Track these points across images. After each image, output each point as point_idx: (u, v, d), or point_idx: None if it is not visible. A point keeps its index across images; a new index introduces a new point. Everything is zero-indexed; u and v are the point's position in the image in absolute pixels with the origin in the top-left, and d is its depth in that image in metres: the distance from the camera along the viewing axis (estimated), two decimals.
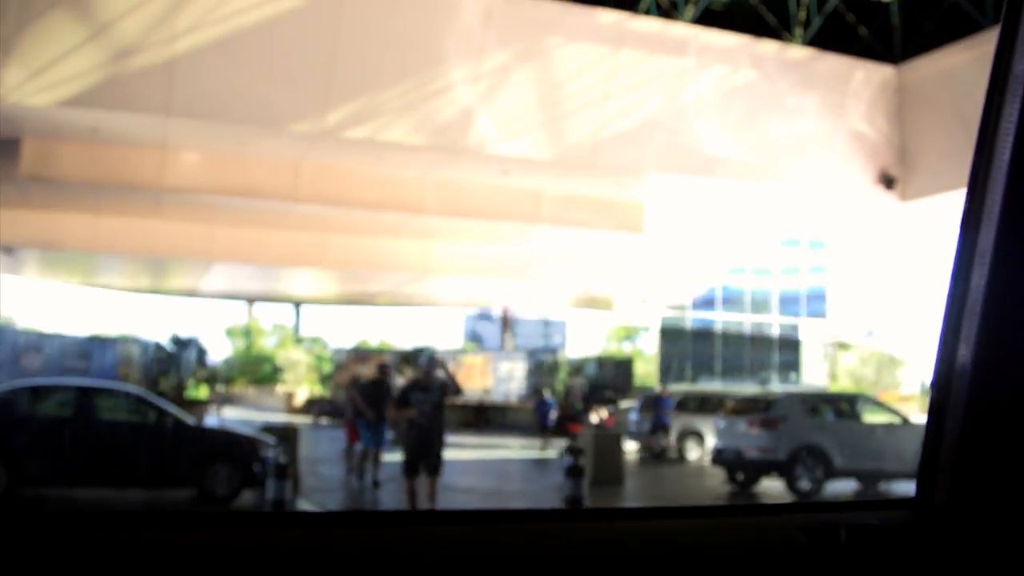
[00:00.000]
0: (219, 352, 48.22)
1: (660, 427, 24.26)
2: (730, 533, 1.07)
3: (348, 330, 49.23)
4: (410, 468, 11.71)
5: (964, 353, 1.20)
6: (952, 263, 1.24)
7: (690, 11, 21.39)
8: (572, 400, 25.08)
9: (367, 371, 40.47)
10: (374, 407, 15.85)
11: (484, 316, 48.64)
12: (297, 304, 44.42)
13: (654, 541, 1.00)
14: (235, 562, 0.86)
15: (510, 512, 1.06)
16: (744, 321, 48.91)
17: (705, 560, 1.00)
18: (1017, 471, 1.19)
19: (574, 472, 10.33)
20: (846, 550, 1.04)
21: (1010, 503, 1.18)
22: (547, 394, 29.53)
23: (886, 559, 1.05)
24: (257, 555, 0.87)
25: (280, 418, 33.36)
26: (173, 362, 34.23)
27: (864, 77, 20.37)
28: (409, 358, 34.07)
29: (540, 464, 22.64)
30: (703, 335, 48.92)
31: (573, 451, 10.69)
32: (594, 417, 26.66)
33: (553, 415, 28.13)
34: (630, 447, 23.94)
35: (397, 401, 12.17)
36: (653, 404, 24.94)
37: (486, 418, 36.64)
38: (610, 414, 27.96)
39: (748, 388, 33.37)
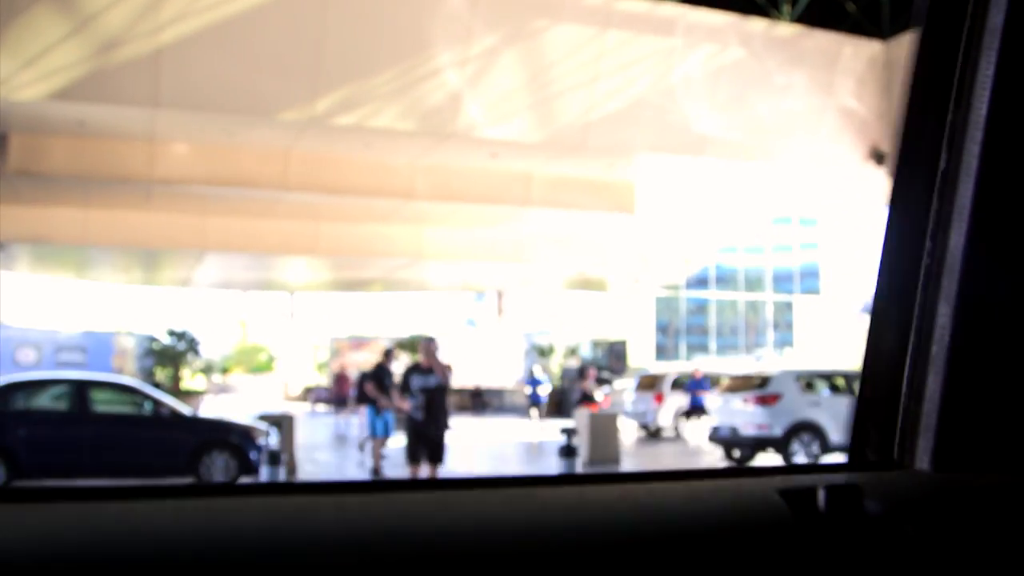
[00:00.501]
0: (214, 342, 48.22)
1: (697, 410, 24.03)
2: (705, 496, 1.06)
3: (343, 317, 49.20)
4: (413, 455, 11.47)
5: (944, 312, 1.19)
6: (930, 221, 1.24)
7: None
8: (588, 380, 25.07)
9: (363, 358, 40.56)
10: (380, 392, 15.73)
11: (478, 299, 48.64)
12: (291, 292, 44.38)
13: (626, 505, 1.00)
14: (218, 532, 0.87)
15: (486, 479, 1.06)
16: (738, 299, 48.99)
17: (679, 524, 0.98)
18: (998, 430, 1.19)
19: (567, 452, 10.32)
20: (825, 512, 1.02)
21: (991, 462, 1.18)
22: (538, 373, 29.44)
23: (866, 520, 1.03)
24: (241, 524, 0.88)
25: (278, 407, 33.37)
26: (168, 354, 34.24)
27: (853, 53, 20.37)
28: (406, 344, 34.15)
29: (538, 446, 22.67)
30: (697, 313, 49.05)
31: (566, 431, 10.66)
32: None
33: (544, 395, 28.05)
34: (628, 427, 24.00)
35: (400, 388, 12.03)
36: (688, 386, 24.81)
37: (482, 401, 36.74)
38: (605, 395, 28.00)
39: (743, 365, 33.43)
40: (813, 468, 1.51)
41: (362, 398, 16.84)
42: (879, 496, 1.07)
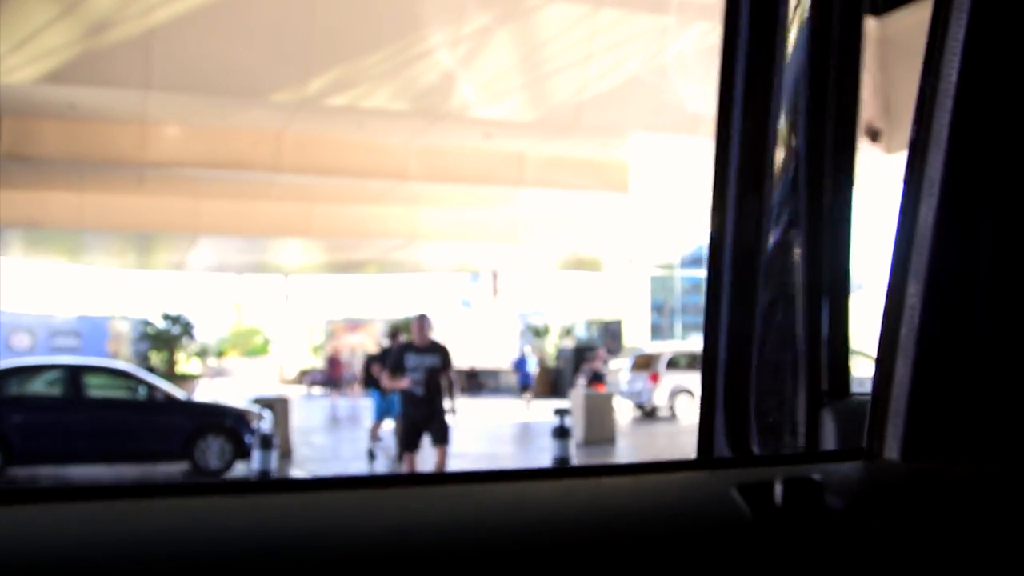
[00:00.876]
0: (209, 326, 48.18)
1: None
2: (656, 492, 1.00)
3: (338, 299, 49.27)
4: (409, 441, 10.86)
5: (913, 291, 1.13)
6: (900, 195, 1.17)
7: None
8: (599, 361, 25.04)
9: (358, 340, 40.52)
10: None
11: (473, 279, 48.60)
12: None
13: (570, 503, 0.94)
14: (209, 531, 0.83)
15: (417, 477, 1.00)
16: None
17: (627, 522, 0.92)
18: (972, 417, 1.12)
19: (560, 433, 10.23)
20: (783, 508, 0.95)
21: (965, 451, 1.11)
22: (527, 353, 29.34)
23: (827, 515, 0.96)
24: (234, 523, 0.84)
25: (273, 390, 33.39)
26: (163, 337, 34.19)
27: None
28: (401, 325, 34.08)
29: (533, 427, 22.69)
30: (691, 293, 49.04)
31: (560, 412, 10.51)
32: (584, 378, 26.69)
33: (533, 375, 27.93)
34: (623, 406, 24.04)
35: (391, 367, 11.05)
36: None
37: (478, 382, 36.76)
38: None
39: None
40: (776, 460, 1.40)
41: (369, 380, 16.60)
42: (845, 489, 1.01)
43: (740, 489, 0.97)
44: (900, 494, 1.06)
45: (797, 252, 1.49)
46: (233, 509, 0.86)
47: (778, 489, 0.96)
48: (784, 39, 1.52)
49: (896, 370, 1.14)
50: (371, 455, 15.45)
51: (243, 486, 0.91)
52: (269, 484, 0.91)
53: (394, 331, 17.16)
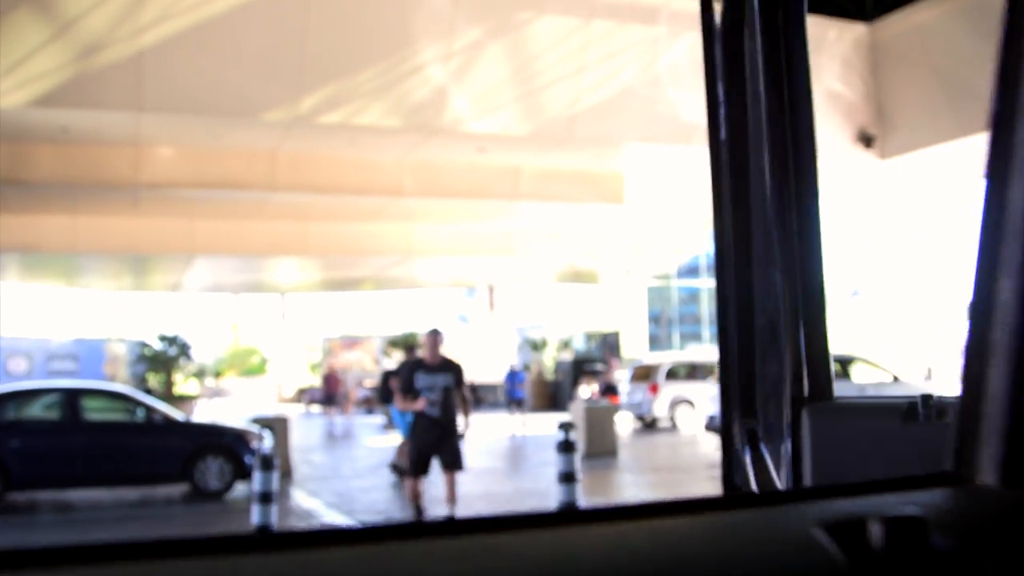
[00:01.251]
0: (206, 346, 48.12)
1: None
2: (725, 535, 0.85)
3: (335, 317, 49.21)
4: (418, 466, 10.09)
5: (1005, 286, 0.98)
6: (984, 172, 1.02)
7: None
8: (611, 373, 24.78)
9: (355, 357, 40.44)
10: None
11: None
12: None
13: (623, 551, 0.80)
14: None
15: (493, 519, 0.84)
16: None
17: (695, 570, 0.78)
18: None
19: (565, 447, 10.11)
20: (885, 552, 0.79)
21: None
22: (517, 367, 28.93)
23: (936, 559, 0.81)
24: None
25: (272, 409, 33.30)
26: (160, 359, 34.11)
27: (837, 36, 20.32)
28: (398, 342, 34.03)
29: (537, 441, 22.61)
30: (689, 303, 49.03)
31: (563, 425, 10.35)
32: (584, 391, 26.62)
33: (523, 389, 27.43)
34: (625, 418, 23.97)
35: (401, 388, 10.20)
36: None
37: (476, 396, 36.68)
38: (596, 388, 27.92)
39: None
40: (848, 489, 1.21)
41: (386, 396, 16.20)
42: (944, 523, 0.85)
43: (828, 529, 0.82)
44: (1009, 527, 0.90)
45: (778, 271, 1.56)
46: (224, 572, 0.77)
47: (875, 529, 0.80)
48: (755, 61, 1.54)
49: (988, 380, 0.98)
50: (395, 468, 15.25)
51: (235, 543, 0.80)
52: (265, 541, 0.80)
53: (409, 346, 16.93)
